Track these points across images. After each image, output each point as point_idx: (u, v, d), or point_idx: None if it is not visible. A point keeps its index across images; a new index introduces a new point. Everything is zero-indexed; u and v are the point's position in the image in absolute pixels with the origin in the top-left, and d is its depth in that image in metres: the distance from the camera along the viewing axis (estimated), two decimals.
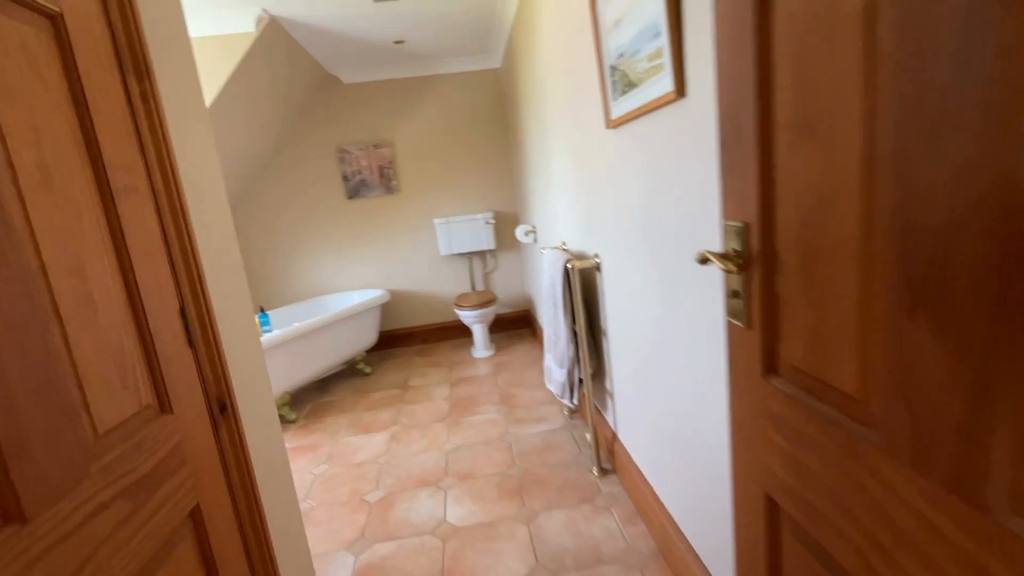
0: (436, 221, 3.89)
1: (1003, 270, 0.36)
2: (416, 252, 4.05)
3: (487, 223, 3.89)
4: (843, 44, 0.47)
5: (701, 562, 1.27)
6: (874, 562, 0.52)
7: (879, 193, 0.45)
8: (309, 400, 3.25)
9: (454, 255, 4.07)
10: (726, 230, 0.71)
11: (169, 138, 0.90)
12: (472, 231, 3.91)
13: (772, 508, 0.71)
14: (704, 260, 0.69)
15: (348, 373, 3.66)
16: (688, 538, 1.35)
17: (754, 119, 0.61)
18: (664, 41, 1.05)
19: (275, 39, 2.71)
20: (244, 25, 2.49)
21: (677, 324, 1.22)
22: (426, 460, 2.33)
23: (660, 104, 1.13)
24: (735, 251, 0.69)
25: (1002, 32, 0.34)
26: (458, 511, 1.91)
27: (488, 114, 3.93)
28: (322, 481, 2.26)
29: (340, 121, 3.77)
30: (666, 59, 1.05)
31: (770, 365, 0.66)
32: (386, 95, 3.79)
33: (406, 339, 4.16)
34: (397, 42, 3.23)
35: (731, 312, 0.72)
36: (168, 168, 0.90)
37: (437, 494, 2.04)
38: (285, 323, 3.59)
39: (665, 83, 1.08)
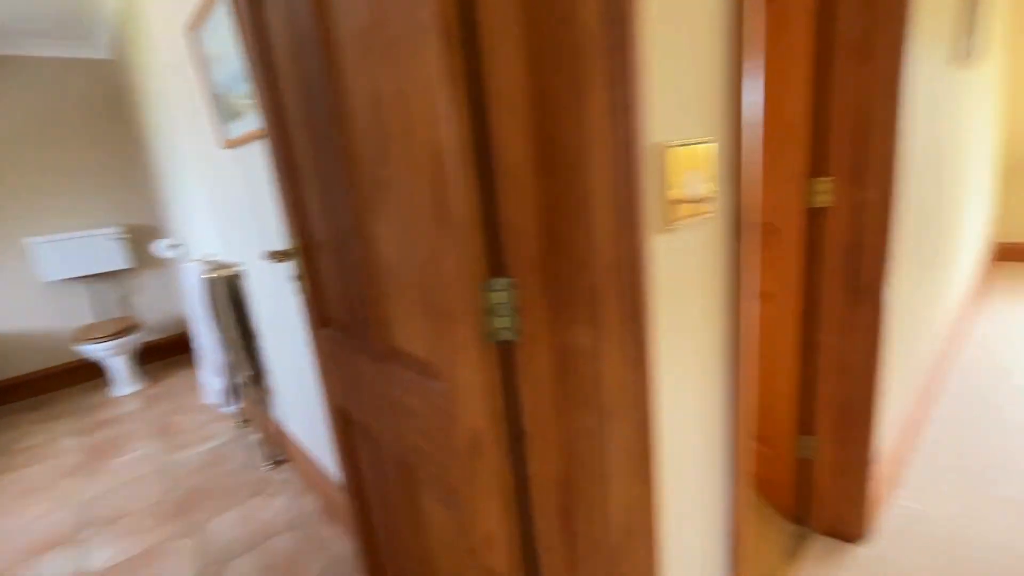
0: (30, 240, 3.11)
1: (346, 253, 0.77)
2: (2, 281, 3.14)
3: (115, 239, 3.35)
4: (308, 132, 0.84)
5: None
6: (374, 414, 0.93)
7: (328, 217, 0.84)
8: None
9: (69, 280, 3.34)
10: (287, 234, 1.03)
11: None
12: (93, 249, 3.29)
13: (344, 414, 1.09)
14: (268, 256, 1.00)
15: None
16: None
17: (284, 164, 0.95)
18: (251, 86, 1.31)
19: None
20: None
21: (293, 309, 1.52)
22: (51, 522, 1.97)
23: (257, 136, 1.38)
24: (293, 249, 1.02)
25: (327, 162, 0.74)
26: (103, 556, 1.74)
27: (106, 111, 3.36)
28: None
29: None
30: (255, 101, 1.32)
31: (323, 320, 1.03)
32: None
33: (7, 394, 3.19)
34: None
35: (298, 289, 1.06)
36: None
37: (70, 550, 1.79)
38: None
39: (257, 119, 1.34)
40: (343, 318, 0.93)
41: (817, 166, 1.25)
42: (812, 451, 1.43)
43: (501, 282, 0.55)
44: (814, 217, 1.29)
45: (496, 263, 0.55)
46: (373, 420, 0.93)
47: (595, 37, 0.40)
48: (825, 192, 1.25)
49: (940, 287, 2.01)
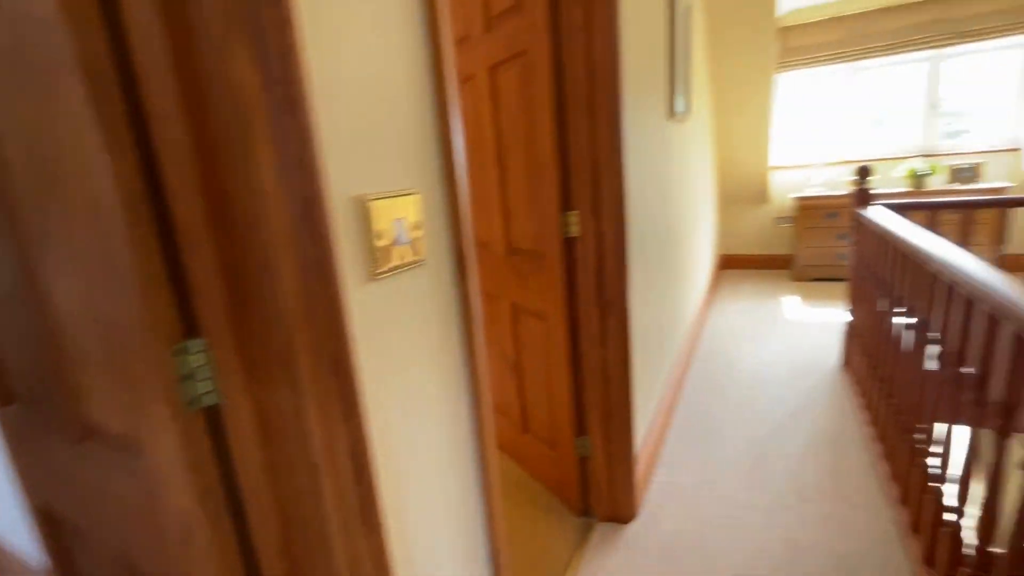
0: None
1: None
2: None
3: None
4: None
5: None
6: (83, 507, 0.76)
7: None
8: None
9: None
10: None
11: None
12: None
13: (48, 513, 0.87)
14: None
15: None
16: None
17: None
18: None
19: None
20: None
21: None
22: None
23: None
24: None
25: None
26: None
27: None
28: None
29: None
30: None
31: (5, 396, 0.81)
32: None
33: None
34: None
35: None
36: None
37: None
38: None
39: None
40: (31, 392, 0.75)
41: (566, 202, 1.45)
42: (588, 449, 1.62)
43: (197, 343, 0.50)
44: (569, 245, 1.49)
45: (190, 323, 0.50)
46: (83, 515, 0.76)
47: (254, 96, 0.39)
48: (575, 224, 1.45)
49: (679, 295, 2.50)
